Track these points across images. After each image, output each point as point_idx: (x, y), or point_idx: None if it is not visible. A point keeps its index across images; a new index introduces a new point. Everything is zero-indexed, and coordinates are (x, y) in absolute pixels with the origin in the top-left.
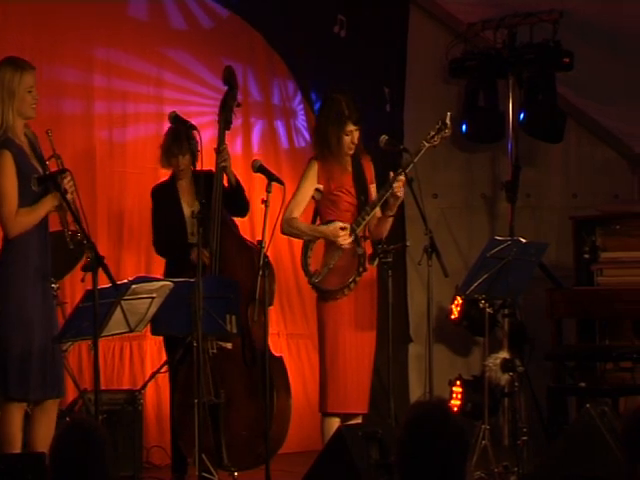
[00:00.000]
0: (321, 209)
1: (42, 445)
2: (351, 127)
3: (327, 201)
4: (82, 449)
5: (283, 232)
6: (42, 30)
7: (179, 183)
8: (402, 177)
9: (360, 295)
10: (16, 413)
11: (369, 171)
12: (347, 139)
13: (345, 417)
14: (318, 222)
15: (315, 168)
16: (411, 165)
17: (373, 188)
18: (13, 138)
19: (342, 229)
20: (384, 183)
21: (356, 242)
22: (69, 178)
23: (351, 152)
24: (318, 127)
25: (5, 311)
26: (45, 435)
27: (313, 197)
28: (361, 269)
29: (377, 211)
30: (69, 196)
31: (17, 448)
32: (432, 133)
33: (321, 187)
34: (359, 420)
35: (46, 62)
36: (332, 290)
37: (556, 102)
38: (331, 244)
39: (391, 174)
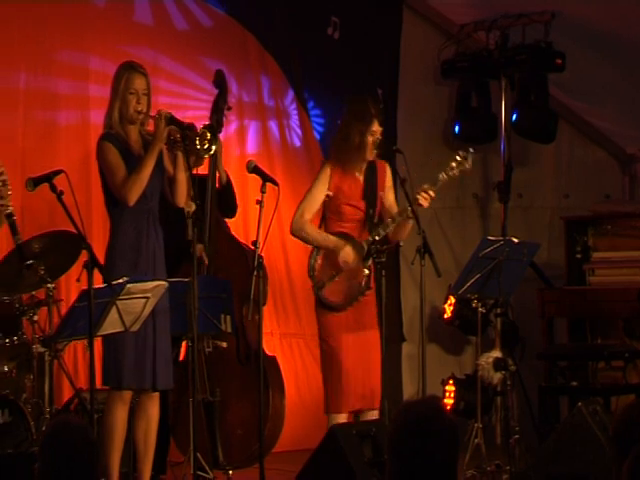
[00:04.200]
0: (327, 214)
1: (139, 439)
2: (376, 127)
3: (333, 210)
4: (68, 448)
5: (293, 234)
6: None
7: None
8: (426, 195)
9: (359, 302)
10: (120, 405)
11: (382, 177)
12: (370, 140)
13: (356, 415)
14: (323, 227)
15: (328, 173)
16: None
17: (390, 194)
18: (118, 134)
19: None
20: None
21: (364, 261)
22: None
23: (372, 156)
24: (342, 126)
25: None
26: (143, 429)
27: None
28: (365, 289)
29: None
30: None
31: (119, 440)
32: (453, 165)
33: (331, 194)
34: (376, 414)
35: (41, 71)
36: (335, 305)
37: (548, 103)
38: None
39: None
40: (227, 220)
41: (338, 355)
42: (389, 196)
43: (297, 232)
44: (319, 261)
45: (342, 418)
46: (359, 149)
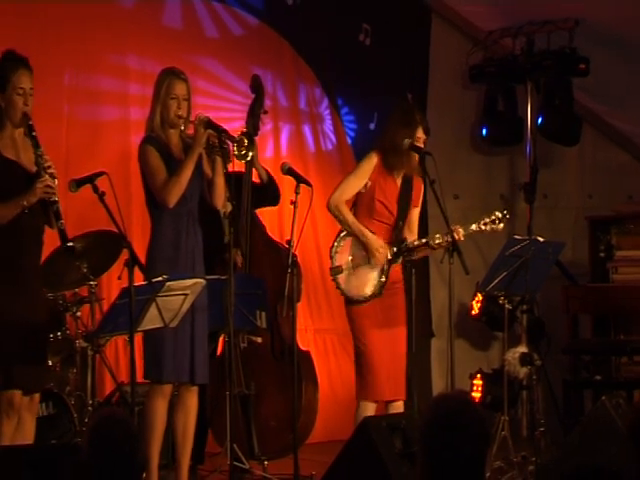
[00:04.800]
0: (357, 208)
1: (178, 431)
2: (420, 133)
3: (365, 203)
4: (112, 440)
5: (329, 209)
6: (79, 38)
7: None
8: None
9: (387, 295)
10: (160, 398)
11: (417, 194)
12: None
13: (384, 406)
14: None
15: (374, 162)
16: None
17: (416, 212)
18: (159, 137)
19: (382, 248)
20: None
21: (395, 259)
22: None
23: (415, 162)
24: (387, 130)
25: None
26: (182, 421)
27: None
28: (380, 292)
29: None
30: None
31: (158, 432)
32: (487, 220)
33: (369, 184)
34: (401, 406)
35: (84, 70)
36: (351, 298)
37: (572, 107)
38: (364, 248)
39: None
40: (263, 220)
41: (367, 348)
42: (415, 211)
43: (334, 209)
44: (344, 247)
45: (370, 408)
46: (402, 154)
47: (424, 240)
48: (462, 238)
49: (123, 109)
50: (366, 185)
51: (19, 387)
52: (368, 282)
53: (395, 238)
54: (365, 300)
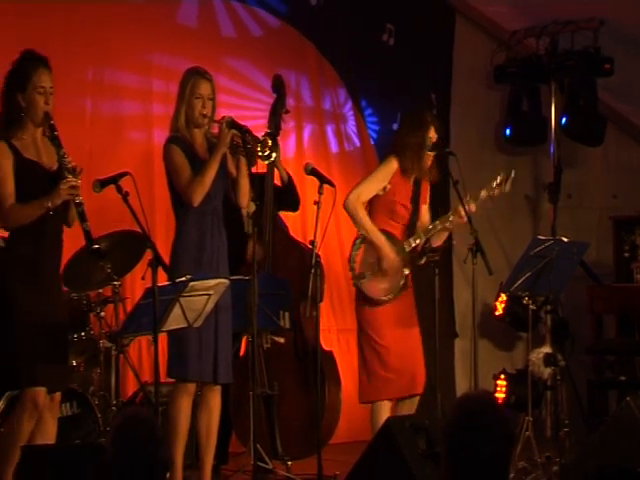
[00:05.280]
0: (376, 211)
1: (202, 430)
2: (432, 133)
3: (384, 206)
4: (137, 440)
5: (346, 208)
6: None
7: None
8: (461, 211)
9: (400, 296)
10: (184, 397)
11: (425, 191)
12: (428, 147)
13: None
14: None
15: (394, 167)
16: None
17: (426, 208)
18: (183, 137)
19: (393, 254)
20: (441, 215)
21: (403, 262)
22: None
23: (428, 164)
24: (400, 134)
25: None
26: (205, 420)
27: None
28: (403, 289)
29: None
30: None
31: (183, 431)
32: (493, 185)
33: (388, 188)
34: (415, 403)
35: (107, 66)
36: (374, 299)
37: (597, 107)
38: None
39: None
40: (286, 220)
41: (381, 345)
42: (426, 208)
43: (351, 210)
44: (360, 254)
45: (386, 406)
46: (418, 159)
47: (430, 226)
48: (474, 209)
49: (146, 107)
50: (384, 188)
51: (43, 385)
52: (390, 283)
53: (410, 233)
54: (387, 301)
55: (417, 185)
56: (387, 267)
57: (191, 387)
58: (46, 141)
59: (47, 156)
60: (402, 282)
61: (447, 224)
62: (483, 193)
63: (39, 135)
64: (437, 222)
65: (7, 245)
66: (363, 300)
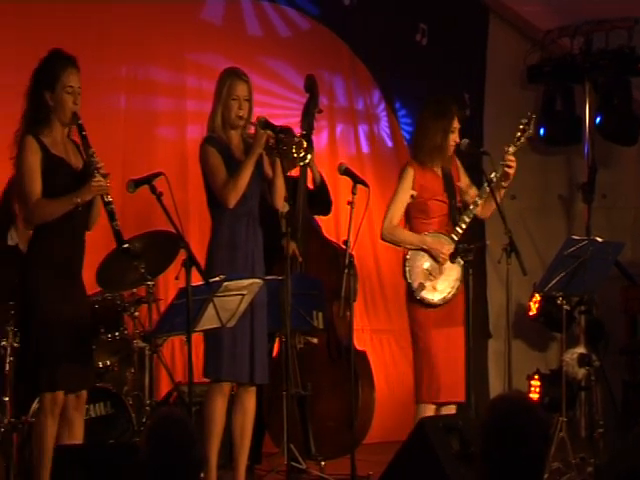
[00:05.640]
0: (411, 214)
1: (236, 431)
2: (457, 124)
3: (418, 208)
4: (171, 440)
5: (384, 239)
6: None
7: None
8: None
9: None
10: (219, 397)
11: (456, 170)
12: (452, 136)
13: (440, 405)
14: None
15: (411, 174)
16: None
17: (465, 177)
18: (220, 137)
19: (443, 246)
20: (479, 187)
21: (457, 254)
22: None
23: (450, 153)
24: (421, 126)
25: None
26: (240, 421)
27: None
28: (460, 282)
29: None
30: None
31: (217, 431)
32: (518, 134)
33: (415, 194)
34: (452, 409)
35: (141, 62)
36: (433, 304)
37: (631, 106)
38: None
39: (489, 180)
40: (319, 220)
41: (428, 348)
42: (464, 179)
43: (388, 237)
44: (411, 267)
45: (430, 409)
46: (441, 147)
47: (471, 205)
48: (513, 163)
49: (180, 103)
50: (412, 196)
51: (63, 389)
52: (448, 282)
53: (454, 218)
54: (448, 299)
55: (446, 172)
56: (442, 259)
57: (226, 387)
58: (69, 142)
59: (73, 156)
60: (458, 275)
61: (487, 193)
62: (511, 149)
63: (65, 135)
64: (477, 198)
65: (30, 244)
66: (415, 301)
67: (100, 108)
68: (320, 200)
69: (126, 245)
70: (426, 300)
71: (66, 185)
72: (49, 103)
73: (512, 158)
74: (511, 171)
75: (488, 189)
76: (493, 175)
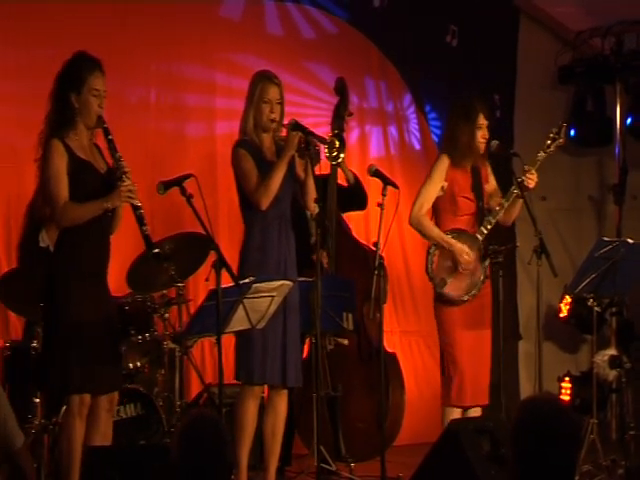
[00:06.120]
0: (439, 207)
1: (267, 433)
2: (482, 121)
3: (447, 202)
4: (204, 441)
5: (411, 224)
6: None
7: None
8: (529, 177)
9: (477, 295)
10: (251, 399)
11: (485, 172)
12: (479, 133)
13: (466, 409)
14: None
15: (446, 164)
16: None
17: (492, 179)
18: (252, 140)
19: (467, 253)
20: (505, 192)
21: (487, 255)
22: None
23: (481, 150)
24: (449, 126)
25: None
26: (271, 423)
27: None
28: (483, 283)
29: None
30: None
31: (249, 433)
32: (548, 142)
33: (445, 185)
34: (478, 412)
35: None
36: (455, 299)
37: None
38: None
39: (516, 183)
40: (349, 222)
41: (454, 351)
42: (492, 183)
43: (415, 224)
44: (435, 260)
45: (456, 412)
46: (470, 145)
47: (497, 207)
48: (535, 174)
49: (210, 99)
50: (443, 188)
51: (90, 391)
52: (471, 279)
53: (481, 219)
54: (469, 299)
55: (475, 172)
56: (464, 265)
57: (257, 390)
58: (95, 146)
59: (97, 159)
60: (482, 277)
61: (513, 197)
62: (540, 155)
63: (90, 139)
64: (503, 201)
65: (56, 245)
66: (441, 301)
67: (130, 103)
68: (357, 196)
69: (157, 250)
70: (447, 296)
71: (94, 189)
72: (74, 105)
73: (533, 174)
74: (531, 184)
75: (515, 192)
76: (513, 187)
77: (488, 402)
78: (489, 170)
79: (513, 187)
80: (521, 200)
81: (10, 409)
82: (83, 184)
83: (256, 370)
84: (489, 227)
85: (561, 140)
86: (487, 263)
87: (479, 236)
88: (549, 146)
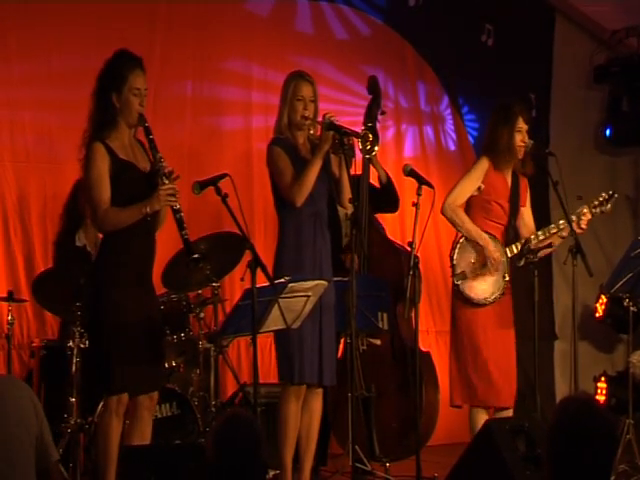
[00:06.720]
0: (472, 205)
1: (302, 432)
2: (522, 124)
3: (480, 205)
4: (239, 441)
5: (444, 213)
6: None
7: None
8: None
9: (500, 300)
10: (293, 399)
11: (524, 192)
12: (518, 137)
13: (494, 410)
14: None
15: (486, 165)
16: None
17: (528, 212)
18: (286, 138)
19: (499, 252)
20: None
21: (522, 255)
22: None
23: (521, 155)
24: (489, 128)
25: None
26: (306, 423)
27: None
28: (504, 292)
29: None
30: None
31: (292, 432)
32: (596, 203)
33: (482, 187)
34: (510, 413)
35: (207, 79)
36: (474, 300)
37: None
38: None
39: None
40: (384, 222)
41: (484, 352)
42: (528, 211)
43: (449, 214)
44: (461, 254)
45: (482, 413)
46: (509, 149)
47: (545, 237)
48: (584, 226)
49: (246, 93)
50: (479, 188)
51: (131, 392)
52: (493, 284)
53: (509, 237)
54: (490, 303)
55: (515, 183)
56: (492, 265)
57: (299, 389)
58: (136, 143)
59: (139, 158)
60: (504, 285)
61: (550, 237)
62: (585, 210)
63: (131, 137)
64: (539, 233)
65: (100, 249)
66: (463, 301)
67: (168, 98)
68: (388, 197)
69: (196, 256)
70: (467, 295)
71: (137, 189)
72: (115, 104)
73: (586, 224)
74: (579, 231)
75: (554, 229)
76: (562, 223)
77: (514, 403)
78: (526, 182)
79: (553, 225)
80: (556, 235)
81: (47, 422)
82: (125, 185)
83: (296, 369)
84: (515, 251)
85: (607, 208)
86: (508, 278)
87: (508, 252)
88: (595, 207)
